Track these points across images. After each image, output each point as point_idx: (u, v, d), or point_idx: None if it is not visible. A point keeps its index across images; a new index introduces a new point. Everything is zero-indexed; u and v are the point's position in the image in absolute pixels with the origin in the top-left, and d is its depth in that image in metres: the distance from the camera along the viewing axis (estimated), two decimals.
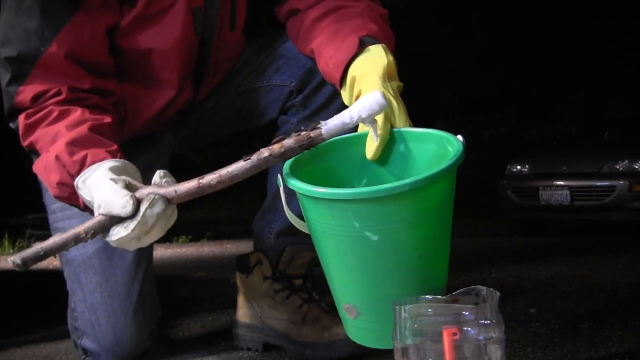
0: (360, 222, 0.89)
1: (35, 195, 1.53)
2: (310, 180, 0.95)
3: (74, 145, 1.12)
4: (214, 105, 1.50)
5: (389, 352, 1.45)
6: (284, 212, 1.49)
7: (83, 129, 1.14)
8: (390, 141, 1.04)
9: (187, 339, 1.78)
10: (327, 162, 1.05)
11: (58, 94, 1.19)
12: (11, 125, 1.26)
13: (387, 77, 1.12)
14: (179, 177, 1.05)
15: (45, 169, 1.15)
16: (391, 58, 1.15)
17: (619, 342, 1.39)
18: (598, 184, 5.29)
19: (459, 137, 0.98)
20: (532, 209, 5.62)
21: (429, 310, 0.87)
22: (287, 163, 0.99)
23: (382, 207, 0.88)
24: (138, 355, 1.44)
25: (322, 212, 0.93)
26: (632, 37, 12.25)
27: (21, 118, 1.20)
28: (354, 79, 1.15)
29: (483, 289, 0.90)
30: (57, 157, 1.12)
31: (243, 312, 1.53)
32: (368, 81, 1.11)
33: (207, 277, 3.39)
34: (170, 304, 1.90)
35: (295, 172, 0.98)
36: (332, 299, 1.06)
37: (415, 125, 1.09)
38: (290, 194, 0.98)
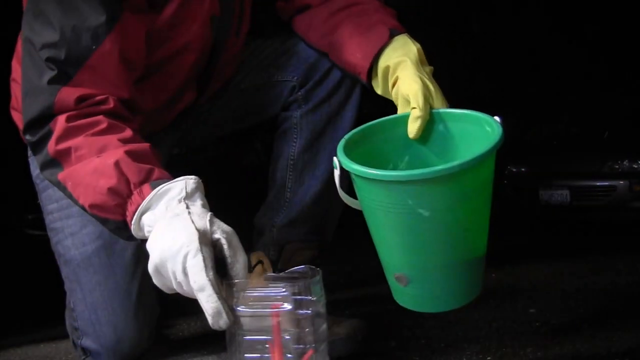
0: (413, 201, 0.98)
1: (35, 195, 1.53)
2: (361, 161, 1.03)
3: (136, 156, 1.04)
4: (213, 104, 1.51)
5: (389, 351, 1.45)
6: (286, 206, 1.50)
7: (144, 145, 1.07)
8: (429, 121, 1.12)
9: (187, 338, 1.78)
10: (373, 142, 1.13)
11: (105, 102, 1.11)
12: (29, 136, 1.12)
13: (419, 62, 1.19)
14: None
15: (94, 173, 1.04)
16: (419, 45, 1.22)
17: (619, 342, 1.39)
18: (598, 184, 5.28)
19: (496, 118, 1.07)
20: (531, 208, 5.61)
21: (255, 288, 0.96)
22: (341, 146, 1.06)
23: (434, 187, 0.98)
24: (138, 355, 1.44)
25: (379, 192, 1.01)
26: (632, 36, 12.25)
27: (61, 119, 1.08)
28: (387, 69, 1.21)
29: (305, 268, 0.99)
30: (117, 163, 1.02)
31: None
32: (404, 68, 1.18)
33: None
34: (170, 304, 1.90)
35: (348, 155, 1.05)
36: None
37: None
38: (343, 176, 1.06)
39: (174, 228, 0.94)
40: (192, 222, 0.94)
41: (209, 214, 0.97)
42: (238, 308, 0.94)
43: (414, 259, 1.05)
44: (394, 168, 1.14)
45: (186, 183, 0.99)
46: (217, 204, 1.04)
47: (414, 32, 1.30)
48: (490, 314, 1.79)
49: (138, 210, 1.00)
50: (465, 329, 1.60)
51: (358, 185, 1.05)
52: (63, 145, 1.07)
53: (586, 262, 2.75)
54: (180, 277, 0.92)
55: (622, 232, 4.76)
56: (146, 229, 1.01)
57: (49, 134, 1.09)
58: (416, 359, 1.38)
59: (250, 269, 1.49)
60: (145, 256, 1.00)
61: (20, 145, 1.55)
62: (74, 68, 1.10)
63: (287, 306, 0.93)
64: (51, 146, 1.09)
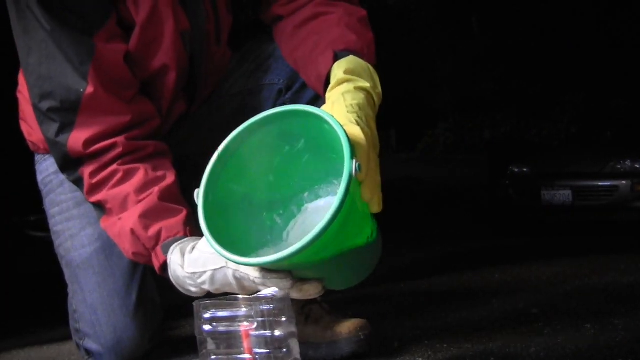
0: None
1: (37, 196, 1.55)
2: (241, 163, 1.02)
3: (147, 217, 1.16)
4: (205, 111, 1.51)
5: (392, 352, 1.45)
6: None
7: (153, 198, 1.18)
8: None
9: (189, 339, 1.77)
10: (249, 147, 1.04)
11: (114, 146, 1.21)
12: (67, 176, 1.27)
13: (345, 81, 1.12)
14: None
15: (119, 237, 1.19)
16: (348, 66, 1.15)
17: (622, 343, 1.39)
18: (600, 184, 5.28)
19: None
20: (533, 209, 5.61)
21: (224, 308, 1.01)
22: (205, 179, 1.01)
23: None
24: (140, 357, 1.44)
25: None
26: (632, 36, 12.24)
27: (85, 175, 1.21)
28: None
29: (275, 292, 1.01)
30: (132, 231, 1.16)
31: None
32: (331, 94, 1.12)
33: None
34: (172, 305, 1.90)
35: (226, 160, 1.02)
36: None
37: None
38: None
39: (217, 276, 1.04)
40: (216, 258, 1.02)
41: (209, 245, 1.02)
42: (205, 328, 1.01)
43: None
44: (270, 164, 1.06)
45: (181, 249, 1.10)
46: None
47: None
48: (492, 314, 1.79)
49: (170, 275, 1.12)
50: (468, 330, 1.60)
51: None
52: (93, 199, 1.23)
53: (588, 262, 2.75)
54: (253, 284, 1.01)
55: (625, 232, 4.76)
56: (189, 285, 1.10)
57: (80, 180, 1.24)
58: None
59: None
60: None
61: (23, 148, 1.56)
62: (72, 114, 1.21)
63: (257, 326, 0.98)
64: (87, 197, 1.24)
